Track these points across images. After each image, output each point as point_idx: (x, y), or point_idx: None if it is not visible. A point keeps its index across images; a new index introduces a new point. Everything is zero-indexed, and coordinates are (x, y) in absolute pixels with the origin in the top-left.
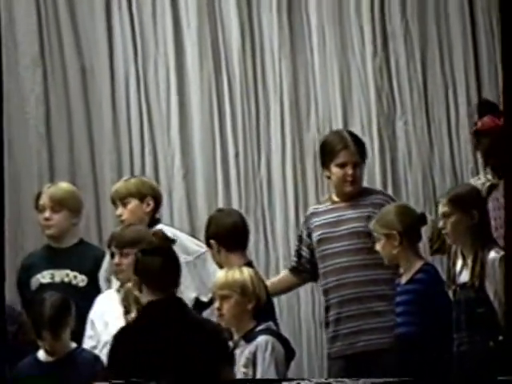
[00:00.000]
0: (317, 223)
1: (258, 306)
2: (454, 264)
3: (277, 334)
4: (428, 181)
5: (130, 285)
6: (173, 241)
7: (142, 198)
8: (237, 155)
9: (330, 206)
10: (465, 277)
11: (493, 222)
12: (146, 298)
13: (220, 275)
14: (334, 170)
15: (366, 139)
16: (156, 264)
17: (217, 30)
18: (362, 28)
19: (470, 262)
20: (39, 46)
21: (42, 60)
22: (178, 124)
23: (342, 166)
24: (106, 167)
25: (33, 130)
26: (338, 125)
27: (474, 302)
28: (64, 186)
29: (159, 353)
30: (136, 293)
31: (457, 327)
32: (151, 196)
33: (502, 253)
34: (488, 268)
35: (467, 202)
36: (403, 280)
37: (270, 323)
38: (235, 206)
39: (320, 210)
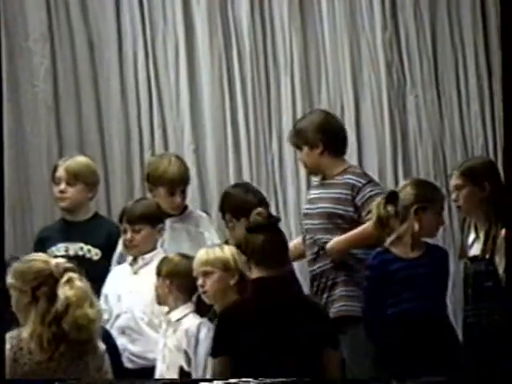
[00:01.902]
0: (307, 197)
1: (241, 282)
2: (467, 237)
3: None
4: (439, 155)
5: None
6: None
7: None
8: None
9: (317, 183)
10: (476, 250)
11: None
12: (255, 275)
13: (201, 252)
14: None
15: (376, 114)
16: (262, 241)
17: (226, 4)
18: (371, 1)
19: (482, 235)
20: (47, 20)
21: (50, 34)
22: (187, 98)
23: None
24: (114, 141)
25: (42, 103)
26: (349, 100)
27: (483, 275)
28: (81, 159)
29: (267, 330)
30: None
31: (465, 299)
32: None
33: None
34: (499, 242)
35: (479, 175)
36: (411, 254)
37: None
38: (246, 179)
39: (314, 183)
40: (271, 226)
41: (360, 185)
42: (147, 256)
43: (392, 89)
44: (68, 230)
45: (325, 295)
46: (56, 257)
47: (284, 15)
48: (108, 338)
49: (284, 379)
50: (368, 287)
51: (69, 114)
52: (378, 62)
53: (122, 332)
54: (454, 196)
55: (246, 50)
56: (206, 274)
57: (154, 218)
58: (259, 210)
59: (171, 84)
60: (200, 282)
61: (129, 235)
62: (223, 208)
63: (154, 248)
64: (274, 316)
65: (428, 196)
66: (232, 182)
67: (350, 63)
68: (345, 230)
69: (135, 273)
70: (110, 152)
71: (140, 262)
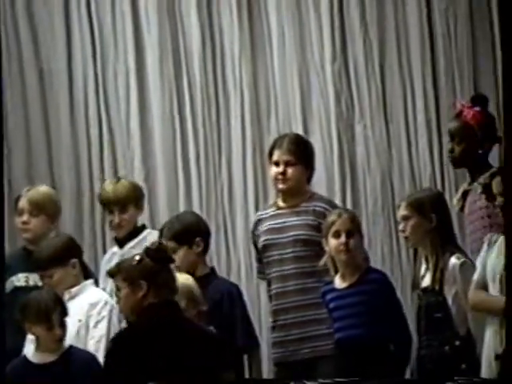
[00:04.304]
0: (262, 229)
1: (200, 313)
2: (419, 268)
3: None
4: (387, 185)
5: None
6: (171, 258)
7: (138, 202)
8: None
9: (275, 212)
10: (427, 281)
11: (471, 226)
12: (148, 301)
13: None
14: (271, 168)
15: (325, 143)
16: (158, 269)
17: (177, 33)
18: (321, 32)
19: (431, 266)
20: None
21: None
22: (138, 127)
23: (275, 164)
24: (64, 170)
25: None
26: (298, 128)
27: (433, 306)
28: (43, 189)
29: (157, 356)
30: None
31: (418, 331)
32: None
33: (462, 259)
34: (448, 273)
35: (426, 206)
36: (343, 284)
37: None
38: (196, 209)
39: (265, 215)
40: (168, 258)
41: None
42: (73, 290)
43: (341, 118)
44: (29, 259)
45: (295, 331)
46: (16, 287)
47: (234, 44)
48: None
49: None
50: None
51: (18, 144)
52: (327, 91)
53: None
54: (401, 227)
55: (196, 79)
56: None
57: (61, 259)
58: (158, 241)
59: (122, 114)
60: None
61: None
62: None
63: (78, 282)
64: (164, 341)
65: (325, 224)
66: (182, 209)
67: (300, 92)
68: (311, 258)
69: None
70: (60, 182)
71: (66, 296)
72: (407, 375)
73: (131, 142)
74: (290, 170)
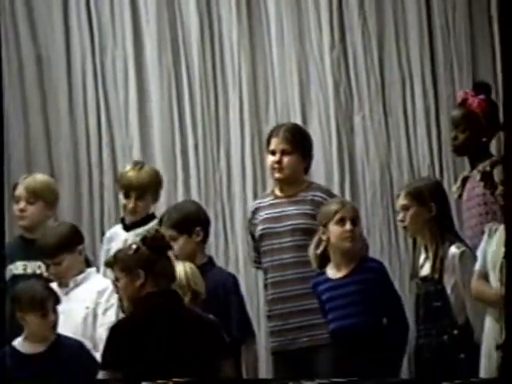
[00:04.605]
0: (260, 218)
1: (195, 300)
2: (418, 258)
3: None
4: (385, 175)
5: None
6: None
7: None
8: None
9: (273, 201)
10: (426, 270)
11: (467, 213)
12: (146, 290)
13: None
14: (268, 157)
15: (323, 133)
16: (156, 258)
17: (176, 22)
18: (319, 21)
19: (430, 255)
20: None
21: None
22: (136, 116)
23: (271, 153)
24: (62, 158)
25: None
26: (296, 117)
27: (432, 295)
28: (40, 177)
29: (156, 346)
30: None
31: (416, 320)
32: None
33: (462, 248)
34: (447, 262)
35: (425, 195)
36: (338, 274)
37: None
38: (195, 198)
39: (263, 204)
40: (165, 246)
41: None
42: (78, 278)
43: (339, 109)
44: (26, 247)
45: (292, 320)
46: (14, 275)
47: (233, 33)
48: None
49: None
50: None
51: (16, 131)
52: (326, 81)
53: None
54: (400, 216)
55: (194, 67)
56: None
57: (69, 245)
58: (154, 229)
59: (120, 102)
60: None
61: (52, 270)
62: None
63: (83, 270)
64: (163, 330)
65: (326, 212)
66: (180, 199)
67: (298, 81)
68: (306, 247)
69: (66, 294)
70: (58, 170)
71: (71, 284)
72: (404, 364)
73: (129, 130)
74: (286, 159)
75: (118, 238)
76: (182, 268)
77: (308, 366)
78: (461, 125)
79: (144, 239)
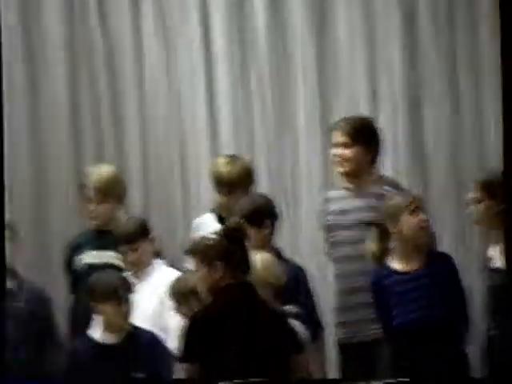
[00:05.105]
0: (328, 210)
1: (274, 292)
2: (490, 248)
3: None
4: (454, 168)
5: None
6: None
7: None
8: None
9: (342, 194)
10: (497, 262)
11: None
12: (224, 281)
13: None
14: (331, 151)
15: (392, 126)
16: (234, 249)
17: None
18: (389, 18)
19: (502, 247)
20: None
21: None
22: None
23: (334, 146)
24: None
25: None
26: (365, 109)
27: (504, 287)
28: (107, 173)
29: (232, 338)
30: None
31: (488, 312)
32: None
33: None
34: None
35: (496, 188)
36: (408, 267)
37: None
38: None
39: (332, 196)
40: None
41: None
42: (147, 269)
43: (408, 101)
44: (99, 238)
45: (362, 313)
46: (86, 265)
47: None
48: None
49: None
50: (374, 302)
51: (87, 126)
52: (394, 74)
53: None
54: (471, 209)
55: (264, 61)
56: None
57: (145, 232)
58: (236, 220)
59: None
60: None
61: (129, 257)
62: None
63: (152, 260)
64: (240, 322)
65: (396, 204)
66: None
67: (366, 74)
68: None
69: (137, 285)
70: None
71: (142, 274)
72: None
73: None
74: (347, 152)
75: (207, 227)
76: (259, 259)
77: (373, 360)
78: None
79: (225, 230)
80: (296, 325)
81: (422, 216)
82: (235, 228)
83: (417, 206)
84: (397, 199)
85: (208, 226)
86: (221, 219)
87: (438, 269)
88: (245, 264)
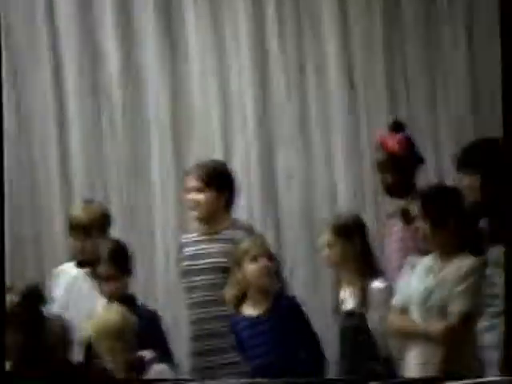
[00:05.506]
0: (183, 254)
1: None
2: (339, 292)
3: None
4: (308, 210)
5: None
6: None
7: None
8: None
9: (196, 238)
10: (350, 304)
11: (387, 249)
12: None
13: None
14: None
15: (245, 170)
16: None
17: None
18: (239, 55)
19: (355, 290)
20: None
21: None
22: (57, 155)
23: (188, 191)
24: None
25: None
26: (219, 154)
27: (356, 329)
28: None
29: None
30: None
31: (341, 354)
32: None
33: (386, 283)
34: (371, 297)
35: (350, 231)
36: (255, 311)
37: None
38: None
39: (187, 240)
40: None
41: None
42: None
43: (261, 144)
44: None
45: (213, 358)
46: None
47: (154, 71)
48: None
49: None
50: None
51: None
52: (247, 115)
53: None
54: (325, 252)
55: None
56: None
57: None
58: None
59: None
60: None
61: None
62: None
63: None
64: None
65: (239, 250)
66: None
67: (219, 116)
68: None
69: None
70: None
71: None
72: None
73: None
74: (199, 197)
75: (67, 275)
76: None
77: None
78: (385, 167)
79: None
80: (162, 368)
81: (263, 262)
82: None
83: (256, 253)
84: (241, 245)
85: (67, 273)
86: (80, 264)
87: (282, 313)
88: None
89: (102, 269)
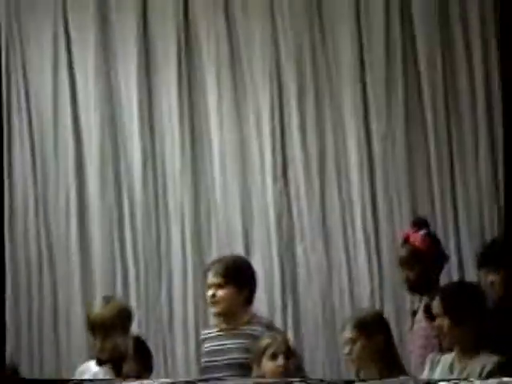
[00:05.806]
0: (204, 350)
1: None
2: None
3: None
4: (327, 305)
5: None
6: None
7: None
8: None
9: (216, 334)
10: None
11: (411, 346)
12: None
13: None
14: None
15: (265, 264)
16: None
17: (119, 155)
18: (262, 154)
19: None
20: None
21: None
22: (77, 249)
23: (208, 287)
24: None
25: None
26: (239, 249)
27: None
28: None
29: None
30: None
31: None
32: None
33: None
34: None
35: (372, 328)
36: None
37: None
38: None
39: (208, 336)
40: None
41: None
42: None
43: (281, 239)
44: None
45: None
46: None
47: (176, 164)
48: None
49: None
50: None
51: None
52: (268, 212)
53: None
54: (346, 349)
55: (137, 201)
56: None
57: None
58: None
59: (61, 235)
60: None
61: None
62: None
63: None
64: None
65: (258, 348)
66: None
67: (241, 212)
68: None
69: None
70: None
71: None
72: None
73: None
74: (220, 293)
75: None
76: None
77: None
78: (408, 263)
79: None
80: None
81: (279, 361)
82: None
83: (275, 351)
84: (261, 342)
85: (89, 371)
86: (99, 362)
87: None
88: None
89: (127, 367)
